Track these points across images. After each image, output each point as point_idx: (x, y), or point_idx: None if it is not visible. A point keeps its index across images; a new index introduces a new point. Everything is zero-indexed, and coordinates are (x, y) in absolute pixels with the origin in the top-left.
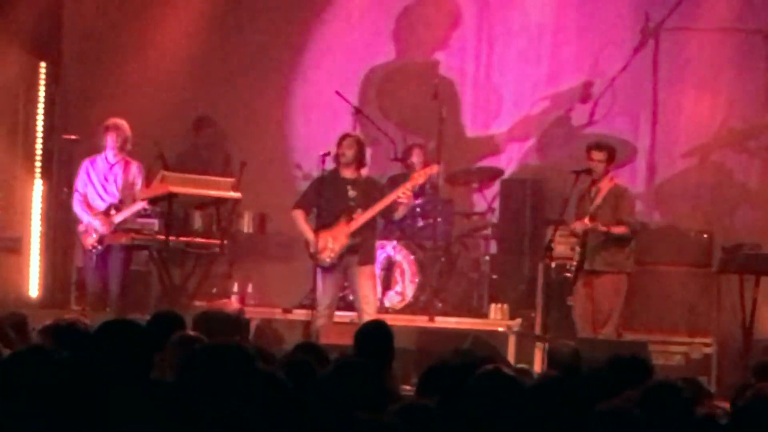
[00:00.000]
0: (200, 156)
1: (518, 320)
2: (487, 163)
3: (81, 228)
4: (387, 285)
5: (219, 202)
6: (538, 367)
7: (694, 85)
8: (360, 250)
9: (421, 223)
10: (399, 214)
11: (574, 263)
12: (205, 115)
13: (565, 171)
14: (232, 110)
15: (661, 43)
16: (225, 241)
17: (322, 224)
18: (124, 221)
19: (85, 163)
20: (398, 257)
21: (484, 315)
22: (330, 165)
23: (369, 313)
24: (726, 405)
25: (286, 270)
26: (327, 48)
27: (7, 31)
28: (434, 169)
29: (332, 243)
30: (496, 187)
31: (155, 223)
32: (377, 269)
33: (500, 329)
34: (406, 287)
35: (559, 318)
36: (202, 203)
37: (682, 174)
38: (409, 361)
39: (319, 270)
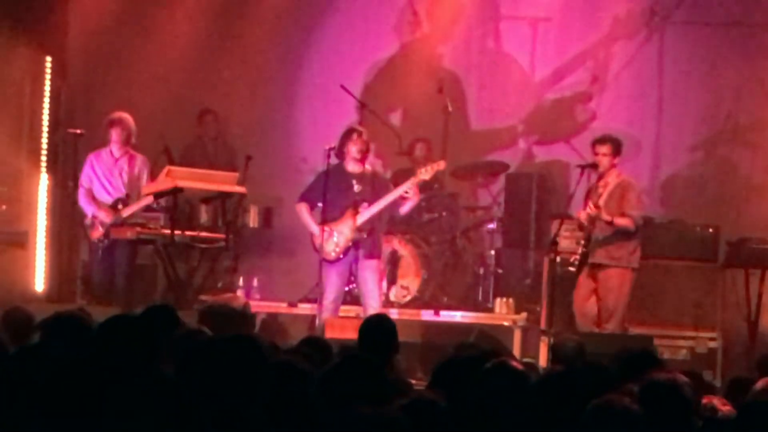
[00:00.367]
0: (205, 150)
1: (523, 314)
2: (492, 157)
3: (87, 221)
4: (392, 279)
5: (224, 196)
6: (543, 361)
7: (699, 79)
8: (365, 244)
9: (426, 218)
10: (405, 209)
11: (578, 256)
12: (209, 108)
13: (571, 165)
14: (237, 104)
15: (667, 36)
16: (230, 236)
17: (327, 218)
18: (131, 216)
19: (90, 157)
20: (403, 251)
21: (490, 309)
22: (334, 159)
23: (374, 307)
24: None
25: (291, 264)
26: (332, 42)
27: (12, 25)
28: (441, 164)
29: (338, 237)
30: (501, 182)
31: (161, 217)
32: (383, 263)
33: (505, 323)
34: (411, 281)
35: (564, 312)
36: (208, 197)
37: (687, 168)
38: (414, 355)
39: (324, 264)
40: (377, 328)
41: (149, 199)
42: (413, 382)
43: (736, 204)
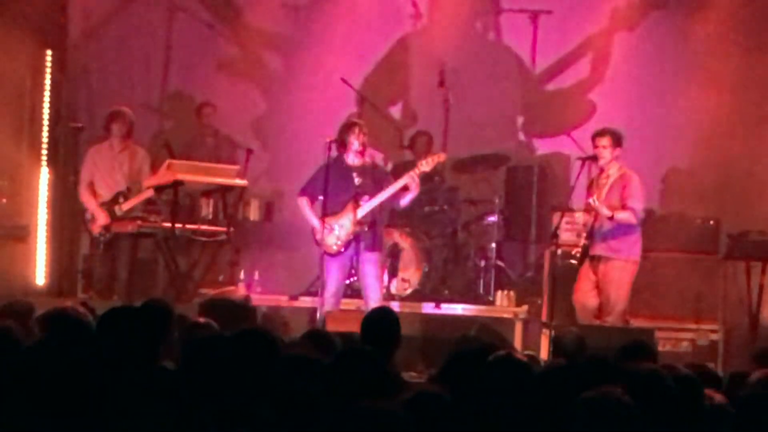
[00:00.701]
0: (206, 143)
1: (525, 307)
2: (493, 150)
3: (87, 215)
4: (393, 272)
5: (225, 189)
6: (544, 353)
7: (702, 71)
8: (366, 237)
9: (427, 210)
10: (405, 201)
11: (579, 249)
12: (208, 101)
13: (571, 158)
14: (238, 97)
15: (668, 28)
16: (231, 229)
17: (328, 211)
18: (131, 209)
19: (91, 151)
20: (404, 244)
21: (491, 302)
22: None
23: (375, 300)
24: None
25: (292, 257)
26: (333, 34)
27: (13, 19)
28: (441, 156)
29: (339, 230)
30: (502, 174)
31: (162, 210)
32: (384, 256)
33: (506, 316)
34: (412, 274)
35: (565, 305)
36: (209, 191)
37: (688, 160)
38: (415, 349)
39: (325, 257)
40: (380, 321)
41: (149, 192)
42: (413, 374)
43: (736, 196)
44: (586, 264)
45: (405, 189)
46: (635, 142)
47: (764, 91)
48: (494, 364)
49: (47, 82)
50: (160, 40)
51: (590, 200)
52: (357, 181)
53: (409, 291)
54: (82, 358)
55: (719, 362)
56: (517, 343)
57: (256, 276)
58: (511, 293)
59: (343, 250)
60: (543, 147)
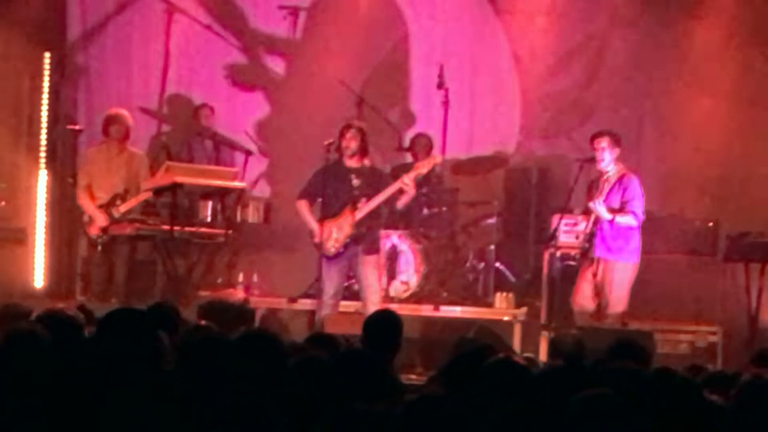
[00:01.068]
0: (204, 146)
1: (523, 309)
2: (491, 151)
3: (85, 218)
4: (392, 274)
5: (224, 191)
6: (543, 356)
7: (701, 72)
8: (364, 239)
9: (426, 212)
10: (402, 203)
11: (579, 250)
12: (205, 103)
13: (570, 159)
14: (237, 99)
15: (668, 28)
16: (230, 231)
17: (326, 214)
18: (129, 211)
19: (88, 154)
20: (403, 246)
21: (490, 304)
22: (333, 154)
23: (374, 303)
24: None
25: (291, 260)
26: (331, 36)
27: (11, 21)
28: (437, 158)
29: (337, 232)
30: (501, 176)
31: (160, 213)
32: (382, 258)
33: (505, 318)
34: (411, 276)
35: (564, 307)
36: (207, 193)
37: (687, 162)
38: (414, 351)
39: (324, 259)
40: (383, 323)
41: (147, 194)
42: (413, 377)
43: (736, 198)
44: (585, 266)
45: (401, 191)
46: (634, 143)
47: (764, 92)
48: (492, 367)
49: (45, 84)
50: (159, 43)
51: (591, 204)
52: (355, 183)
53: (407, 293)
54: (73, 359)
55: (718, 364)
56: (516, 345)
57: (255, 278)
58: (510, 295)
59: (341, 252)
60: (542, 149)
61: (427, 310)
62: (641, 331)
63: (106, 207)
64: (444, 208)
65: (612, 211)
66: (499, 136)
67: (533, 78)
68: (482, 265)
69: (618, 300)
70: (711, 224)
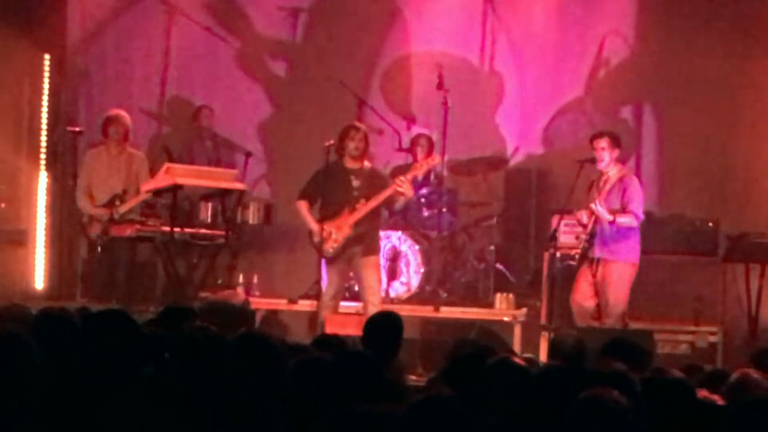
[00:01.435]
0: (205, 147)
1: (524, 310)
2: (491, 152)
3: (84, 219)
4: (392, 275)
5: (224, 193)
6: (544, 356)
7: (701, 72)
8: (364, 240)
9: (426, 213)
10: (399, 204)
11: (579, 251)
12: (205, 104)
13: (571, 160)
14: (236, 100)
15: (668, 28)
16: (230, 233)
17: (326, 215)
18: (129, 212)
19: (88, 155)
20: (403, 247)
21: (490, 305)
22: (333, 155)
23: (374, 304)
24: None
25: (291, 261)
26: (332, 38)
27: (11, 22)
28: (435, 159)
29: (336, 233)
30: (501, 177)
31: (160, 214)
32: (382, 259)
33: (506, 319)
34: (411, 277)
35: (564, 307)
36: (208, 194)
37: (687, 162)
38: (414, 352)
39: (323, 261)
40: (384, 325)
41: (146, 195)
42: (413, 378)
43: (736, 198)
44: (585, 266)
45: (399, 193)
46: (634, 143)
47: (763, 92)
48: (493, 368)
49: (45, 86)
50: (159, 44)
51: (592, 205)
52: (355, 184)
53: (408, 294)
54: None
55: (718, 364)
56: (517, 345)
57: (255, 279)
58: (510, 296)
59: (340, 253)
60: (542, 149)
61: (427, 311)
62: (641, 331)
63: (105, 208)
64: (444, 209)
65: (612, 211)
66: (499, 136)
67: (533, 78)
68: (482, 265)
69: (618, 300)
70: (711, 224)
